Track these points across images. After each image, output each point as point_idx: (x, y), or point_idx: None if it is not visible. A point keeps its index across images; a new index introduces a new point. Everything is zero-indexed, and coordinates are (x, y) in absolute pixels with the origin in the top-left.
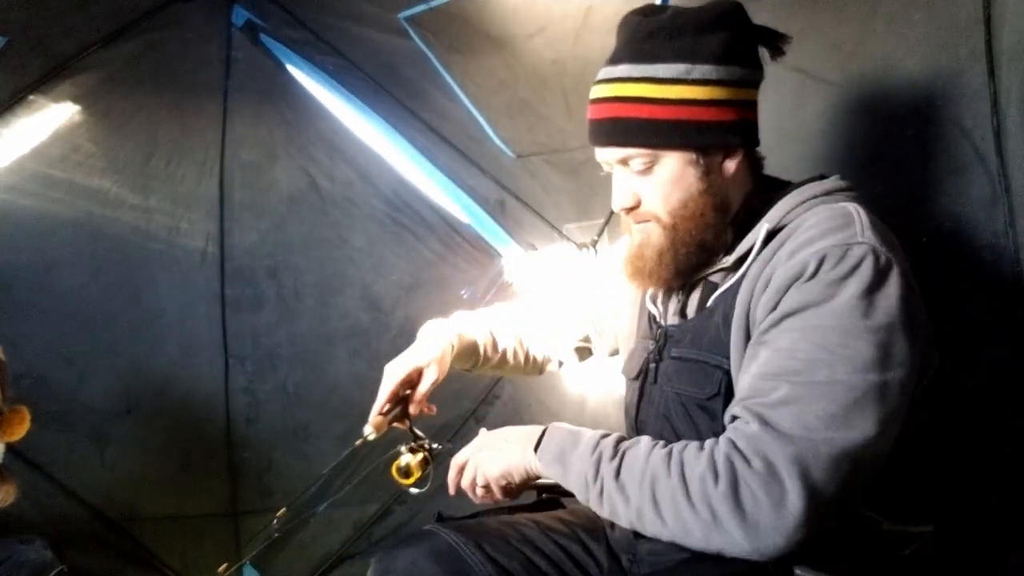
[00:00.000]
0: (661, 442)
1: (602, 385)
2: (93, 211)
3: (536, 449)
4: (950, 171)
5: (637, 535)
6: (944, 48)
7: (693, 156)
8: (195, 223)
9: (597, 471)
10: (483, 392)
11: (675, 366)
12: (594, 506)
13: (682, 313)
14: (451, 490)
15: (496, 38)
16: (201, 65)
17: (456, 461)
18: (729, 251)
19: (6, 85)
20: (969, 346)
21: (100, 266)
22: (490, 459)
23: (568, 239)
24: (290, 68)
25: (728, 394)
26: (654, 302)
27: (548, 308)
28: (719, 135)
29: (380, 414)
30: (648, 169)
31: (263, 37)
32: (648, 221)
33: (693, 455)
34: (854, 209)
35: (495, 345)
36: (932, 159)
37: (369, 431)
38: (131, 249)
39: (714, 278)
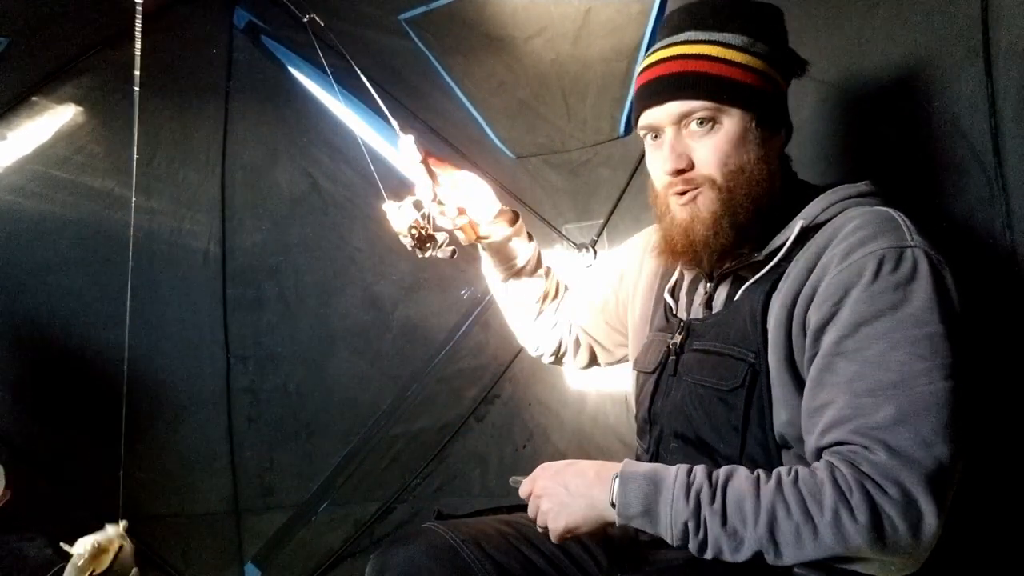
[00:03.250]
0: (758, 472)
1: (601, 383)
2: (95, 212)
3: (613, 502)
4: (947, 171)
5: (638, 534)
6: (941, 48)
7: (752, 121)
8: (197, 224)
9: (699, 520)
10: (483, 391)
11: (698, 358)
12: (696, 552)
13: (707, 306)
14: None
15: (496, 39)
16: (203, 66)
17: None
18: (758, 245)
19: (8, 86)
20: (973, 349)
21: (102, 266)
22: (557, 512)
23: (568, 239)
24: (291, 69)
25: (751, 387)
26: (672, 294)
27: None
28: (775, 107)
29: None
30: (709, 127)
31: (264, 38)
32: (697, 188)
33: (813, 485)
34: (895, 213)
35: (540, 259)
36: (929, 159)
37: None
38: (133, 249)
39: (743, 272)
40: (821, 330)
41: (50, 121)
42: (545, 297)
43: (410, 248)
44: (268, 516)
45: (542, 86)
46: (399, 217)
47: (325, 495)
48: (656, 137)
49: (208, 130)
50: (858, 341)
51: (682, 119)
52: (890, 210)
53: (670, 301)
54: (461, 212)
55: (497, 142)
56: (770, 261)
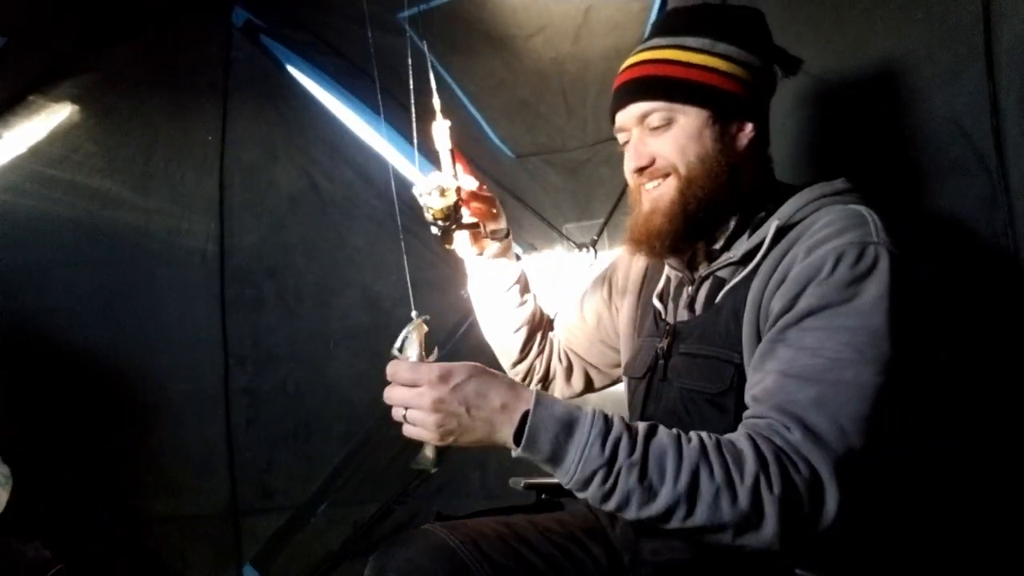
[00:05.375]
0: (677, 430)
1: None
2: (93, 211)
3: (517, 438)
4: (949, 171)
5: (640, 534)
6: (943, 48)
7: (709, 117)
8: (195, 223)
9: (612, 470)
10: None
11: (685, 362)
12: (595, 501)
13: (690, 308)
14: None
15: (495, 38)
16: (201, 65)
17: (396, 395)
18: (730, 244)
19: (5, 85)
20: (968, 346)
21: (100, 266)
22: (448, 431)
23: (568, 239)
24: (290, 68)
25: (740, 389)
26: (661, 300)
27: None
28: (735, 104)
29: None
30: (667, 124)
31: (263, 37)
32: (663, 177)
33: (735, 452)
34: (866, 211)
35: (527, 285)
36: (931, 159)
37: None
38: (131, 249)
39: (722, 273)
40: (776, 320)
41: (47, 120)
42: (532, 320)
43: (437, 233)
44: (267, 517)
45: (542, 85)
46: (432, 200)
47: (324, 496)
48: (626, 139)
49: (206, 129)
50: (800, 330)
51: (643, 119)
52: (861, 208)
53: (658, 306)
54: (475, 212)
55: (497, 141)
56: (747, 262)
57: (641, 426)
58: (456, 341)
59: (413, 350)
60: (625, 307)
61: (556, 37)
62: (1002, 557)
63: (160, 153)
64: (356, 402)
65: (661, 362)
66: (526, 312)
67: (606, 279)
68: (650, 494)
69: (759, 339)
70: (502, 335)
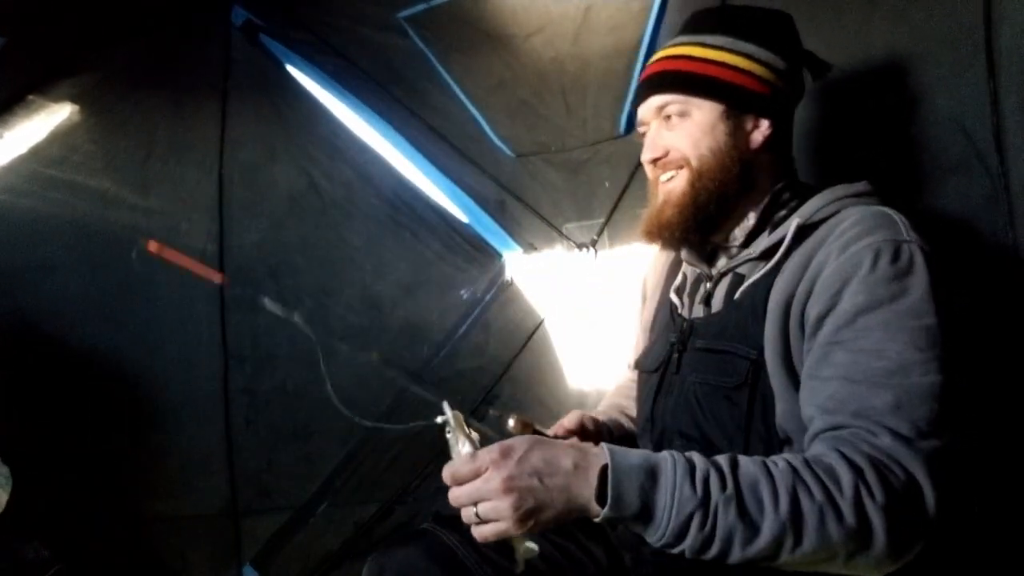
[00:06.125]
0: (759, 458)
1: (601, 384)
2: (92, 211)
3: (600, 498)
4: (950, 170)
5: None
6: (944, 47)
7: (724, 111)
8: (194, 223)
9: (708, 510)
10: (482, 392)
11: (700, 356)
12: (691, 552)
13: (707, 304)
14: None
15: (495, 38)
16: (200, 65)
17: (462, 493)
18: (749, 241)
19: (5, 85)
20: (969, 346)
21: (99, 266)
22: (532, 509)
23: (568, 239)
24: (289, 68)
25: (755, 385)
26: (678, 294)
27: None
28: (750, 99)
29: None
30: (682, 117)
31: (262, 37)
32: (676, 169)
33: (826, 467)
34: (891, 212)
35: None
36: (932, 158)
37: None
38: (131, 249)
39: (742, 270)
40: (820, 322)
41: (46, 120)
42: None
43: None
44: (266, 518)
45: (542, 84)
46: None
47: (324, 496)
48: (645, 132)
49: (205, 129)
50: (855, 331)
51: (660, 111)
52: (886, 208)
53: (675, 301)
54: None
55: (497, 141)
56: (768, 258)
57: (723, 459)
58: (456, 341)
59: (462, 445)
60: (651, 304)
61: (556, 37)
62: (1002, 557)
63: (160, 153)
64: (356, 402)
65: (675, 356)
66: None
67: (641, 299)
68: (753, 529)
69: (785, 340)
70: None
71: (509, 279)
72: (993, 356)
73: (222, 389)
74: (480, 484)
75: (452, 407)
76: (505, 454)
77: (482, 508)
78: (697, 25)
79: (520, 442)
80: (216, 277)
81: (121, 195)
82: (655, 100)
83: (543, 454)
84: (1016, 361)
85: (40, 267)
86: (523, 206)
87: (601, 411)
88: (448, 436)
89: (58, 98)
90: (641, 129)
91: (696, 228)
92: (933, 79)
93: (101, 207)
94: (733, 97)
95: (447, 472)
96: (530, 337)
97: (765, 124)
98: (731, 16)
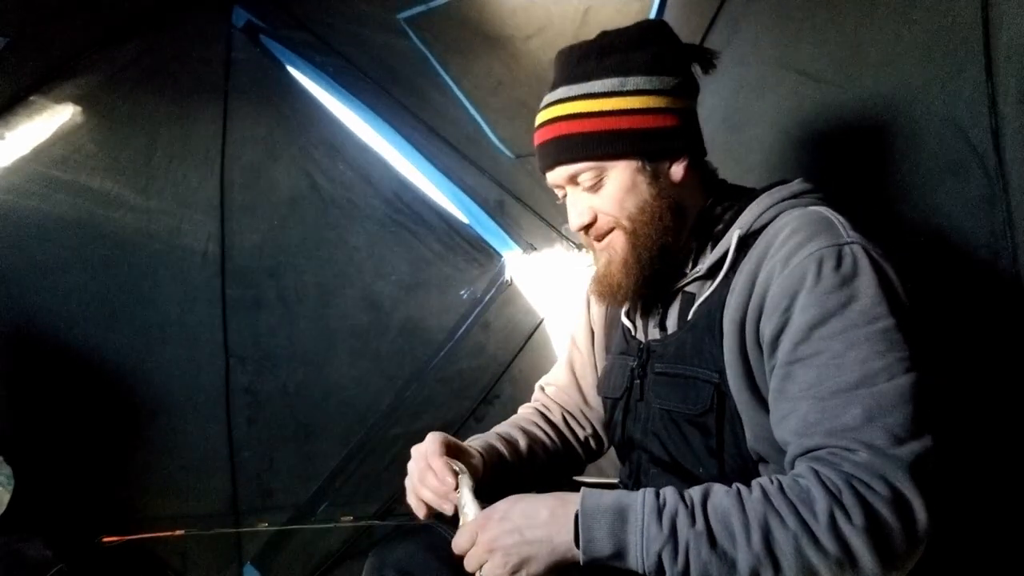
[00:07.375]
0: (736, 486)
1: None
2: (94, 212)
3: (578, 542)
4: (948, 171)
5: None
6: (942, 47)
7: (639, 163)
8: (196, 223)
9: (677, 546)
10: (482, 392)
11: (662, 381)
12: None
13: (662, 327)
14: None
15: (495, 39)
16: (201, 66)
17: (469, 562)
18: (696, 260)
19: (7, 86)
20: (967, 346)
21: (102, 266)
22: (518, 564)
23: (567, 239)
24: (290, 69)
25: (721, 409)
26: (629, 316)
27: (562, 384)
28: (661, 140)
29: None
30: (598, 183)
31: (263, 38)
32: (609, 233)
33: (800, 491)
34: (827, 212)
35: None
36: (930, 159)
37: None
38: (132, 249)
39: (691, 288)
40: (776, 341)
41: (48, 121)
42: (543, 450)
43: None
44: (267, 517)
45: (541, 85)
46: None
47: (325, 496)
48: (563, 194)
49: (207, 130)
50: (812, 346)
51: (573, 179)
52: (822, 209)
53: (628, 324)
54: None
55: (496, 141)
56: (714, 275)
57: (696, 492)
58: (456, 342)
59: (470, 508)
60: (599, 332)
61: (555, 38)
62: (1002, 557)
63: (161, 153)
64: (356, 402)
65: (637, 382)
66: (537, 461)
67: (571, 331)
68: (728, 563)
69: (745, 360)
70: (554, 473)
71: (509, 279)
72: (992, 356)
73: (223, 389)
74: (476, 550)
75: (461, 473)
76: (487, 518)
77: (483, 571)
78: (576, 72)
79: (503, 503)
80: None
81: (123, 195)
82: (563, 171)
83: (523, 508)
84: (1016, 361)
85: (42, 267)
86: (522, 206)
87: (494, 431)
88: (460, 500)
89: (60, 99)
90: (557, 192)
91: (646, 283)
92: (930, 80)
93: (103, 207)
94: (644, 147)
95: (454, 543)
96: (530, 337)
97: (682, 159)
98: (608, 51)
